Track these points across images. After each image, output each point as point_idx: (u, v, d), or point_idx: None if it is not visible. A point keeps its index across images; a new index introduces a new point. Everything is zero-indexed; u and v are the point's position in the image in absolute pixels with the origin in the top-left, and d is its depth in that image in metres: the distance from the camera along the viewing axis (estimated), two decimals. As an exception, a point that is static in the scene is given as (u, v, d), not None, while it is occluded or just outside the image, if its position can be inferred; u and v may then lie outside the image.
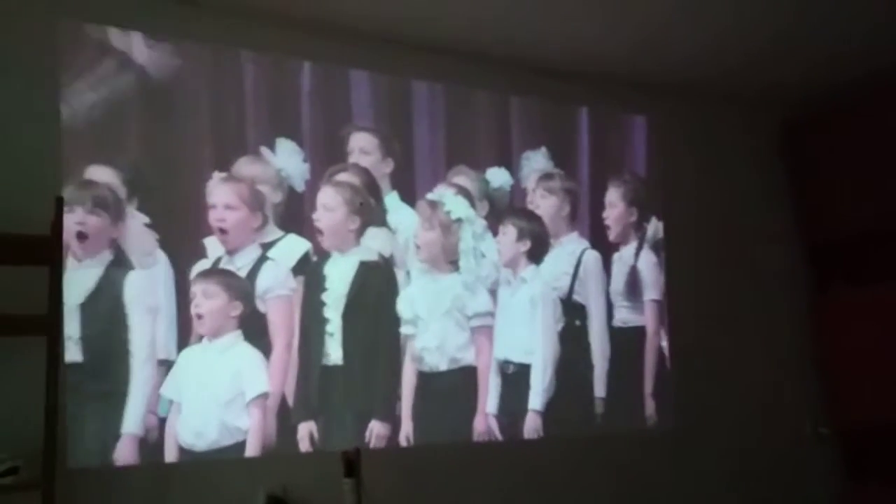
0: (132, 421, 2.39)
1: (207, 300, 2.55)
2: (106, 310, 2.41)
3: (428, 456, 2.84)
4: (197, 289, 2.55)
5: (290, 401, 2.65)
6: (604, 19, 2.90)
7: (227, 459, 2.52)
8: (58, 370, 2.02)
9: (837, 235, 3.70)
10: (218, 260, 2.60)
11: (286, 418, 2.64)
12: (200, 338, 2.55)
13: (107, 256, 2.45)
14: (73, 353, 2.34)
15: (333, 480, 2.39)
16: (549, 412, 3.09)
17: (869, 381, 3.49)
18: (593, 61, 3.29)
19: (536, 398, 3.08)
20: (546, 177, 3.27)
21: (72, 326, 2.35)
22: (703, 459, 3.38)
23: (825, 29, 3.08)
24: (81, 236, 2.41)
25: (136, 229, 2.49)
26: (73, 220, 2.39)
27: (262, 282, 2.64)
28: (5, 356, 2.16)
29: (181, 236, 2.55)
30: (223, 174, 2.62)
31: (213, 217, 2.59)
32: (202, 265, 2.57)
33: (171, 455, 2.46)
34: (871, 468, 3.55)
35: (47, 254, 2.05)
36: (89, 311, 2.38)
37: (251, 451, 2.56)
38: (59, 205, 2.09)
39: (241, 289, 2.61)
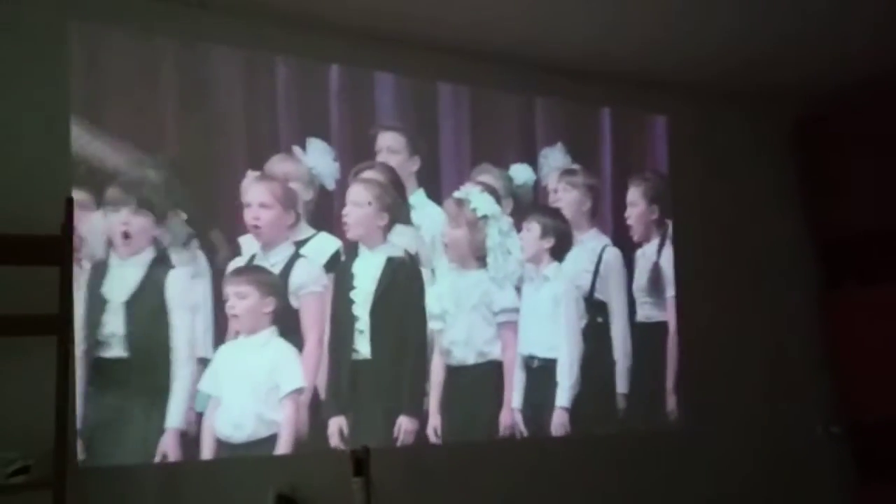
0: (175, 416, 2.47)
1: (241, 301, 2.62)
2: (149, 307, 2.48)
3: (437, 455, 2.87)
4: (230, 290, 2.61)
5: (322, 395, 2.71)
6: (615, 20, 2.94)
7: (237, 459, 2.56)
8: (68, 370, 2.03)
9: (849, 233, 3.70)
10: (252, 257, 2.66)
11: (318, 413, 2.70)
12: (237, 334, 2.61)
13: (149, 255, 2.52)
14: (117, 349, 2.42)
15: (343, 479, 2.41)
16: (576, 408, 3.14)
17: (880, 380, 3.48)
18: (607, 61, 3.31)
19: (564, 395, 3.14)
20: (568, 172, 3.32)
21: (116, 323, 2.43)
22: (713, 458, 3.39)
23: (836, 28, 3.10)
24: (126, 235, 2.48)
25: (176, 228, 2.56)
26: (118, 220, 2.48)
27: (296, 279, 2.70)
28: (18, 355, 2.19)
29: (217, 234, 2.61)
30: (257, 173, 2.69)
31: (249, 215, 2.66)
32: (237, 263, 2.64)
33: (208, 448, 2.53)
34: (883, 467, 3.53)
35: (58, 254, 2.08)
36: (133, 308, 2.46)
37: (283, 444, 2.63)
38: (69, 205, 2.12)
39: (273, 284, 2.67)
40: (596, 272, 3.28)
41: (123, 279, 2.47)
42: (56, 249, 2.07)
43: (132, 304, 2.46)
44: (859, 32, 3.17)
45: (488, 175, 3.14)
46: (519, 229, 3.16)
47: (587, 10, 2.85)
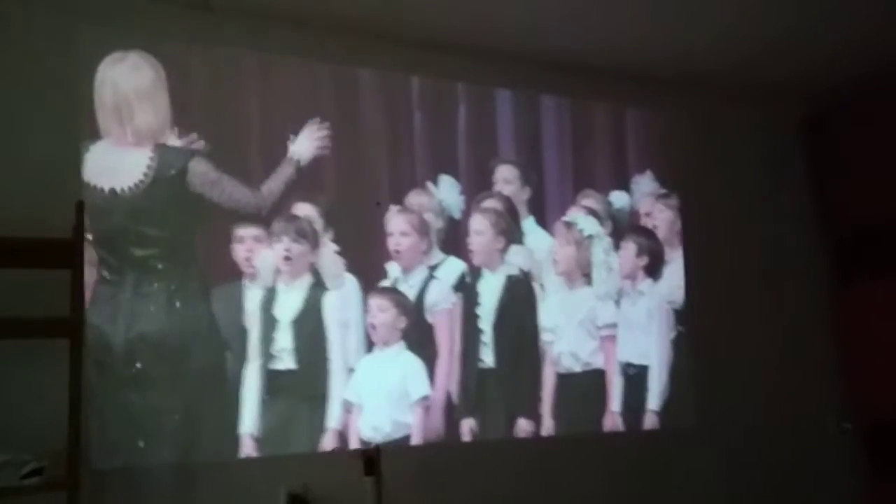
0: (333, 418, 2.85)
1: (381, 313, 2.98)
2: (311, 325, 2.86)
3: (447, 454, 3.00)
4: (373, 302, 2.98)
5: (455, 400, 3.07)
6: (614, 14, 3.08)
7: (249, 459, 2.67)
8: (81, 372, 2.03)
9: (861, 228, 3.68)
10: (395, 280, 3.03)
11: (452, 415, 3.05)
12: (376, 346, 2.97)
13: (308, 279, 2.90)
14: (287, 362, 2.82)
15: (354, 479, 2.48)
16: (664, 411, 3.44)
17: (893, 376, 3.45)
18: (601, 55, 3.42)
19: (654, 399, 3.44)
20: (663, 196, 3.63)
21: (286, 339, 2.82)
22: (725, 456, 3.46)
23: (846, 20, 3.12)
24: (287, 259, 2.86)
25: (329, 256, 2.93)
26: (280, 247, 2.86)
27: (430, 297, 3.06)
28: (33, 357, 2.26)
29: (367, 261, 2.99)
30: (398, 206, 3.07)
31: (391, 243, 3.03)
32: (384, 284, 3.01)
33: (354, 446, 2.87)
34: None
35: (69, 257, 2.10)
36: (299, 326, 2.84)
37: (415, 443, 2.97)
38: (80, 209, 2.15)
39: (407, 305, 3.03)
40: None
41: (289, 302, 2.85)
42: (67, 252, 2.09)
43: (298, 323, 2.85)
44: (870, 25, 3.17)
45: (591, 199, 3.46)
46: (617, 248, 3.48)
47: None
